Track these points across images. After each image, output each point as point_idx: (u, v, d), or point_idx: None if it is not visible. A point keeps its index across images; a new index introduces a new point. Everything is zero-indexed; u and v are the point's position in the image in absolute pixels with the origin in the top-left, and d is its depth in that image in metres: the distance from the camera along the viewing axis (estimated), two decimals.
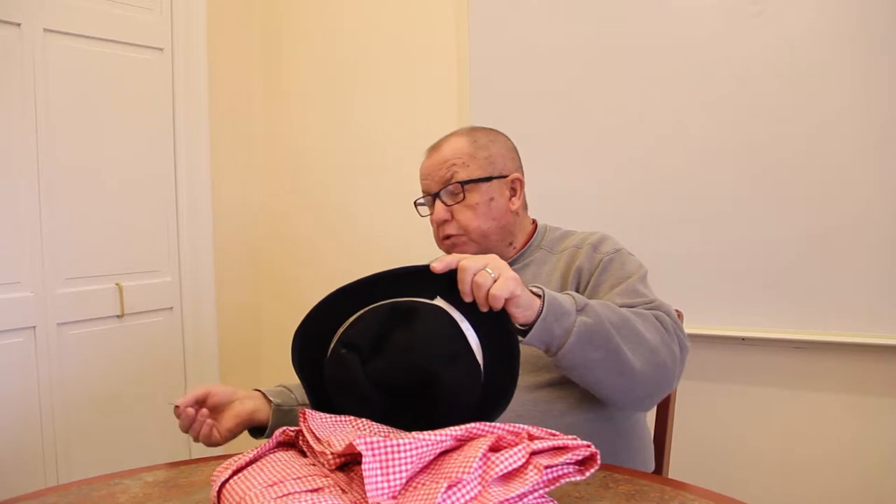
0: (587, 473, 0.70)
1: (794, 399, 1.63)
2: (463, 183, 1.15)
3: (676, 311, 1.22)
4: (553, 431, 0.73)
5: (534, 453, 0.69)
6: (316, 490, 0.69)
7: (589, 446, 0.71)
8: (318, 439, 0.78)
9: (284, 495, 0.67)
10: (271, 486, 0.70)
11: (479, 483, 0.66)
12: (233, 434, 1.05)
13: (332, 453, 0.74)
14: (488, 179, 1.16)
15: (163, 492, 0.86)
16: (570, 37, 1.80)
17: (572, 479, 0.69)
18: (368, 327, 0.86)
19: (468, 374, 0.84)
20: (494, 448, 0.71)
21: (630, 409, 1.08)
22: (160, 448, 2.05)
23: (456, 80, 2.00)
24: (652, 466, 1.18)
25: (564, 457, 0.69)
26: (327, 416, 0.84)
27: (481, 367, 0.85)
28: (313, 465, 0.76)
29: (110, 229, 1.94)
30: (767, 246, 1.60)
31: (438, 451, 0.71)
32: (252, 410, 1.05)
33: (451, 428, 0.72)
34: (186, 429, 1.02)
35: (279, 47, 2.34)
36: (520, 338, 0.89)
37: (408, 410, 0.84)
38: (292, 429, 0.83)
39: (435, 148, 1.21)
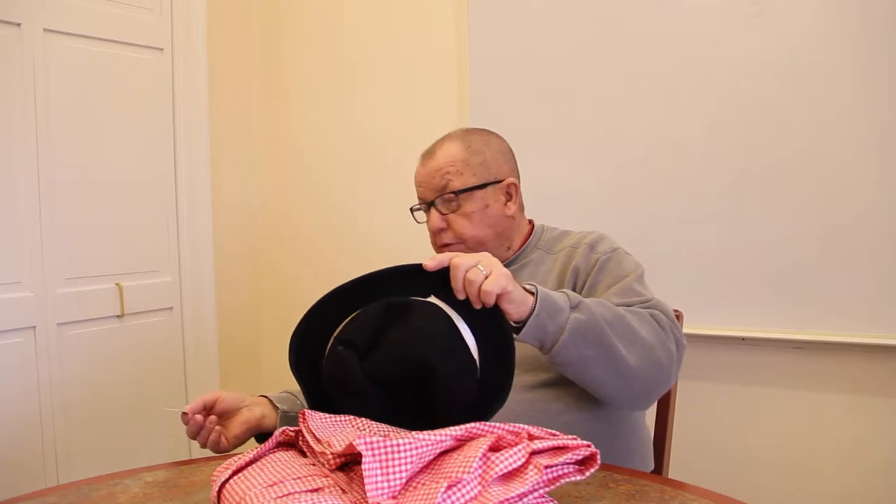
0: (587, 473, 0.70)
1: (794, 399, 1.63)
2: (457, 192, 1.15)
3: (676, 311, 1.22)
4: (553, 431, 0.73)
5: (534, 453, 0.69)
6: (316, 490, 0.69)
7: (589, 446, 0.71)
8: (318, 440, 0.78)
9: (284, 495, 0.67)
10: (271, 486, 0.70)
11: (479, 483, 0.66)
12: (240, 441, 1.04)
13: (332, 453, 0.74)
14: (483, 186, 1.16)
15: (163, 492, 0.86)
16: (570, 37, 1.80)
17: (572, 478, 0.69)
18: (364, 325, 0.86)
19: (464, 368, 0.85)
20: (494, 448, 0.71)
21: (627, 408, 1.08)
22: (160, 448, 2.05)
23: (456, 80, 2.00)
24: (651, 466, 1.18)
25: (564, 456, 0.69)
26: (327, 416, 0.84)
27: (477, 362, 0.86)
28: (313, 465, 0.76)
29: (110, 229, 1.94)
30: (767, 246, 1.60)
31: (438, 450, 0.71)
32: (260, 417, 1.05)
33: (451, 428, 0.72)
34: (194, 435, 1.01)
35: (279, 47, 2.34)
36: (514, 334, 0.90)
37: (405, 406, 0.85)
38: (292, 429, 0.83)
39: (429, 154, 1.20)
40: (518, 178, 1.23)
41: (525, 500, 0.67)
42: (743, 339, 1.65)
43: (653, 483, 0.84)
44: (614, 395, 0.98)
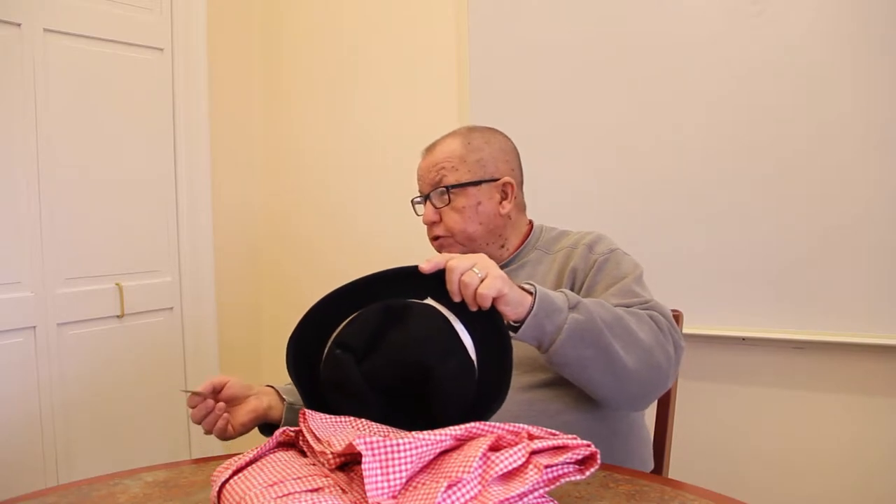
0: (587, 473, 0.70)
1: (794, 399, 1.63)
2: (449, 187, 1.17)
3: (676, 311, 1.22)
4: (553, 431, 0.73)
5: (534, 453, 0.69)
6: (316, 490, 0.69)
7: (589, 446, 0.71)
8: (318, 439, 0.78)
9: (284, 495, 0.67)
10: (271, 486, 0.70)
11: (479, 482, 0.66)
12: (246, 429, 1.03)
13: (332, 453, 0.74)
14: (477, 183, 1.17)
15: (163, 492, 0.86)
16: (570, 37, 1.80)
17: (572, 478, 0.69)
18: (362, 327, 0.86)
19: (462, 369, 0.85)
20: (494, 448, 0.71)
21: (624, 409, 1.08)
22: (160, 448, 2.06)
23: (456, 80, 2.00)
24: (651, 466, 1.18)
25: (564, 456, 0.69)
26: (327, 416, 0.84)
27: (475, 363, 0.86)
28: (313, 464, 0.76)
29: (110, 229, 1.94)
30: (767, 246, 1.60)
31: (438, 450, 0.71)
32: (267, 407, 1.05)
33: (451, 427, 0.72)
34: (200, 420, 0.99)
35: (279, 47, 2.34)
36: (511, 334, 0.90)
37: (404, 408, 0.85)
38: (292, 429, 0.83)
39: (429, 149, 1.23)
40: (519, 178, 1.23)
41: (525, 499, 0.67)
42: (743, 339, 1.65)
43: (653, 483, 0.84)
44: (611, 395, 0.98)
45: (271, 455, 0.79)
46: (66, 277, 1.84)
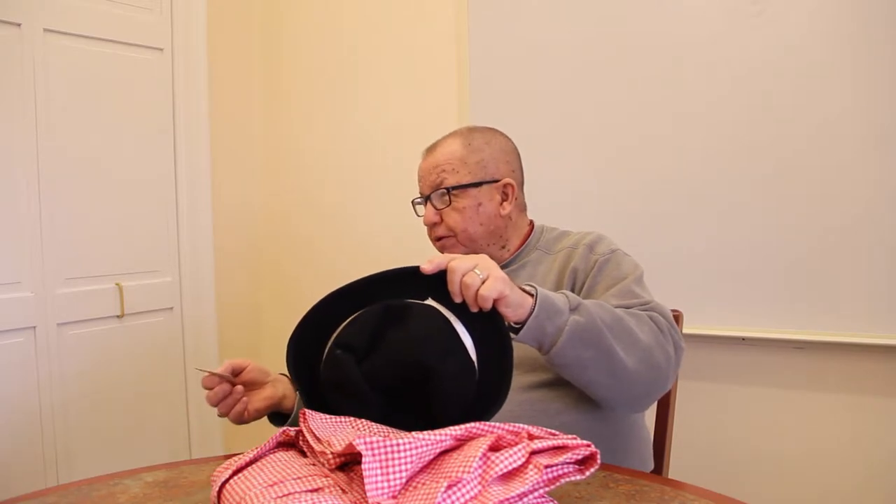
0: (587, 473, 0.70)
1: (794, 399, 1.63)
2: (450, 189, 1.17)
3: (676, 311, 1.22)
4: (553, 431, 0.73)
5: (534, 453, 0.69)
6: (316, 490, 0.69)
7: (589, 446, 0.71)
8: (318, 439, 0.78)
9: (284, 495, 0.67)
10: (271, 486, 0.70)
11: (479, 483, 0.66)
12: (259, 415, 1.03)
13: (332, 453, 0.74)
14: (477, 185, 1.17)
15: (163, 492, 0.86)
16: (570, 37, 1.80)
17: (572, 478, 0.69)
18: (362, 327, 0.86)
19: (462, 370, 0.85)
20: (494, 448, 0.71)
21: (624, 410, 1.08)
22: (160, 448, 2.06)
23: (456, 80, 2.00)
24: (651, 466, 1.18)
25: (564, 456, 0.69)
26: (327, 416, 0.84)
27: (475, 364, 0.86)
28: (313, 465, 0.76)
29: (110, 229, 1.94)
30: (767, 246, 1.60)
31: (438, 450, 0.71)
32: (282, 396, 1.05)
33: (451, 428, 0.72)
34: (217, 402, 0.98)
35: (279, 47, 2.34)
36: (512, 335, 0.90)
37: (404, 408, 0.85)
38: (292, 429, 0.83)
39: (430, 150, 1.23)
40: (520, 178, 1.23)
41: (525, 499, 0.67)
42: (743, 339, 1.65)
43: (653, 483, 0.84)
44: (611, 396, 0.99)
45: (271, 455, 0.79)
46: (66, 277, 1.84)
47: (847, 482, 1.58)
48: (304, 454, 0.80)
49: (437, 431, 0.72)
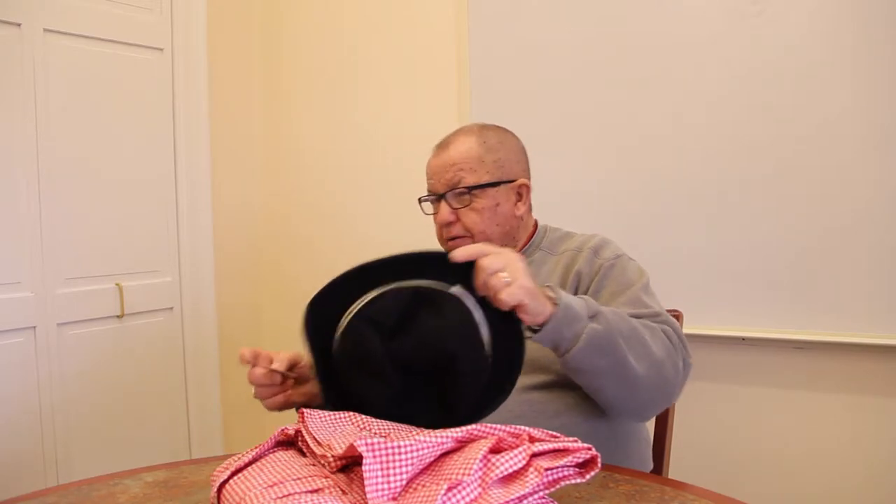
0: (588, 476, 0.70)
1: (794, 399, 1.63)
2: (470, 188, 1.15)
3: (676, 311, 1.22)
4: (554, 433, 0.73)
5: (534, 455, 0.69)
6: (316, 491, 0.69)
7: (590, 449, 0.71)
8: (318, 443, 0.78)
9: (284, 496, 0.67)
10: (271, 486, 0.70)
11: (480, 485, 0.66)
12: (294, 406, 1.03)
13: (332, 456, 0.74)
14: (496, 185, 1.15)
15: (163, 492, 0.86)
16: (570, 37, 1.80)
17: (572, 481, 0.69)
18: (393, 306, 0.86)
19: (480, 366, 0.86)
20: (495, 450, 0.71)
21: (627, 418, 1.09)
22: (160, 448, 2.06)
23: (456, 80, 1.99)
24: (650, 466, 1.18)
25: (565, 459, 0.69)
26: (327, 413, 0.84)
27: (489, 358, 0.86)
28: (313, 465, 0.76)
29: (110, 229, 1.94)
30: (767, 246, 1.60)
31: (439, 452, 0.71)
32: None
33: (452, 429, 0.72)
34: (267, 396, 1.00)
35: (279, 47, 2.34)
36: (530, 335, 0.90)
37: (418, 395, 0.85)
38: (291, 428, 0.82)
39: (443, 146, 1.19)
40: (529, 178, 1.22)
41: (525, 501, 0.66)
42: (743, 339, 1.65)
43: (653, 483, 0.84)
44: (618, 404, 0.99)
45: (271, 455, 0.79)
46: (66, 277, 1.84)
47: (847, 482, 1.58)
48: (303, 453, 0.80)
49: (437, 433, 0.72)
